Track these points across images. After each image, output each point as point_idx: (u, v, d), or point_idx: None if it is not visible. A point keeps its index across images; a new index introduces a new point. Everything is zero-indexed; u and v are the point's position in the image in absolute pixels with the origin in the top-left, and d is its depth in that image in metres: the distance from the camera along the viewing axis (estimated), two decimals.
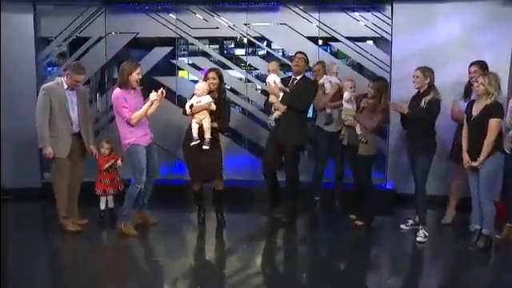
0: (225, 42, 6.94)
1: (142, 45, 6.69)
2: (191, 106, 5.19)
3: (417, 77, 5.01)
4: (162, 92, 5.04)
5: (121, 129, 5.07)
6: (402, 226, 5.44)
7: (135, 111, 4.99)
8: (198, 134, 5.15)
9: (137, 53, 6.77)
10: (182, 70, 6.73)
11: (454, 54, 5.99)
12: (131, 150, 5.05)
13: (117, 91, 5.00)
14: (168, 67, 6.67)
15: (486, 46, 5.93)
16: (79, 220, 5.42)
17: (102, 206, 5.62)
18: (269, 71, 5.51)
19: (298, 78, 5.41)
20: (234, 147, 6.61)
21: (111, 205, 5.65)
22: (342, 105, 5.55)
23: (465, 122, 4.83)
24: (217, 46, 6.95)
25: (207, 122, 5.15)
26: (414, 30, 6.17)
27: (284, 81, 5.44)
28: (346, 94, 5.46)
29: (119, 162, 5.46)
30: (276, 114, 5.35)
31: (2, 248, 4.14)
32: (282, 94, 5.31)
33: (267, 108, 5.58)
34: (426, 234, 5.06)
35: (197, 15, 6.55)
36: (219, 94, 5.24)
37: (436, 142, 5.15)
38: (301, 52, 5.47)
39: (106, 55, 6.48)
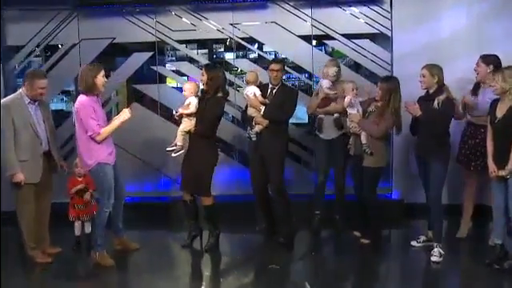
0: (210, 45, 6.60)
1: (119, 51, 6.25)
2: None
3: (423, 76, 4.53)
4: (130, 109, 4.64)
5: (83, 145, 4.47)
6: (413, 243, 4.90)
7: (102, 124, 4.44)
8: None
9: (114, 60, 6.36)
10: (165, 76, 6.28)
11: (462, 49, 5.55)
12: (98, 170, 4.48)
13: (83, 98, 4.41)
14: (149, 74, 6.23)
15: (498, 39, 5.46)
16: (51, 249, 4.86)
17: (77, 232, 5.05)
18: (247, 82, 5.11)
19: (277, 86, 5.01)
20: (224, 159, 6.08)
21: (88, 230, 5.08)
22: (335, 110, 5.13)
23: (488, 124, 4.35)
24: (202, 50, 6.58)
25: (182, 126, 4.75)
26: (416, 23, 5.74)
27: (262, 90, 5.03)
28: (346, 98, 4.92)
29: (89, 194, 4.93)
30: (257, 128, 4.94)
31: None
32: (263, 108, 4.91)
33: (245, 121, 5.23)
34: (442, 252, 4.51)
35: (178, 17, 6.08)
36: (211, 92, 4.78)
37: (450, 146, 4.68)
38: (277, 60, 5.16)
39: (81, 63, 5.95)
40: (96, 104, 4.46)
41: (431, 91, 4.52)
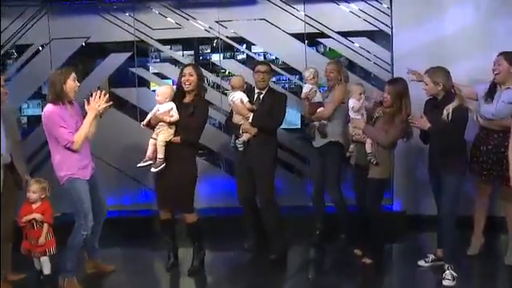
0: (194, 45, 6.20)
1: (94, 51, 5.85)
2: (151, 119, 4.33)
3: (426, 84, 4.08)
4: (103, 95, 3.99)
5: (56, 157, 3.99)
6: (421, 263, 4.42)
7: (76, 132, 3.95)
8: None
9: (89, 61, 5.95)
10: (144, 79, 5.88)
11: (467, 48, 5.18)
12: (69, 186, 3.98)
13: (49, 108, 3.93)
14: (127, 77, 5.84)
15: (506, 36, 5.08)
16: (14, 275, 4.31)
17: (38, 266, 4.25)
18: (232, 87, 4.71)
19: (264, 91, 4.65)
20: (209, 168, 5.75)
21: (46, 271, 4.18)
22: (325, 116, 4.73)
23: None
24: (187, 51, 6.20)
25: (162, 137, 4.23)
26: (418, 20, 5.34)
27: (248, 95, 4.66)
28: (351, 102, 4.46)
29: (46, 227, 4.13)
30: (245, 137, 4.55)
31: None
32: (251, 115, 4.52)
33: (230, 128, 4.86)
34: (455, 274, 4.02)
35: (159, 14, 5.67)
36: (195, 96, 4.32)
37: (467, 157, 4.26)
38: (263, 63, 4.82)
39: (52, 65, 5.53)
40: (65, 112, 3.96)
41: (439, 98, 4.05)
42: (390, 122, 4.25)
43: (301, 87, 5.88)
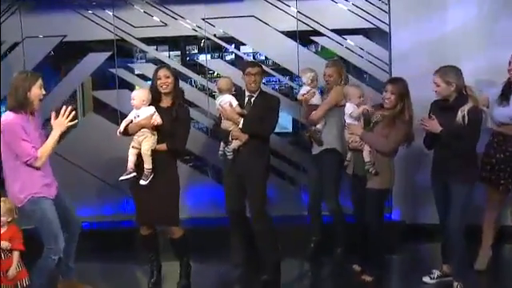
0: (178, 43, 6.06)
1: (71, 51, 5.55)
2: (127, 126, 4.00)
3: (437, 85, 3.76)
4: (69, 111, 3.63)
5: (12, 174, 3.59)
6: (426, 279, 4.11)
7: (38, 146, 3.58)
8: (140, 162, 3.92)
9: (65, 61, 5.69)
10: (125, 81, 5.55)
11: (471, 47, 4.94)
12: (32, 207, 3.60)
13: (9, 117, 3.54)
14: (106, 78, 5.60)
15: None
16: None
17: None
18: (219, 90, 4.39)
19: (256, 94, 4.35)
20: (195, 175, 5.47)
21: None
22: (315, 119, 4.46)
23: None
24: (172, 51, 6.11)
25: (147, 145, 3.89)
26: (418, 17, 5.10)
27: (238, 98, 4.36)
28: (348, 106, 4.13)
29: (16, 256, 3.65)
30: (235, 145, 4.24)
31: None
32: (241, 120, 4.23)
33: (217, 135, 4.56)
34: None
35: (140, 10, 5.39)
36: (174, 99, 4.03)
37: (477, 165, 3.98)
38: (254, 64, 4.47)
39: (25, 66, 5.21)
40: (28, 123, 3.59)
41: (451, 99, 3.75)
42: (391, 125, 3.95)
43: (292, 88, 5.84)
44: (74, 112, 3.65)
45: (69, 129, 3.74)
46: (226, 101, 4.25)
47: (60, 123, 3.61)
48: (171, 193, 4.01)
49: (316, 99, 4.55)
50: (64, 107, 3.64)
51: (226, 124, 4.28)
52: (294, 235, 4.90)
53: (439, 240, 4.23)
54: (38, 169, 3.57)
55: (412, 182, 5.08)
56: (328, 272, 4.65)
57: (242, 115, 4.22)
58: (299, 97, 4.60)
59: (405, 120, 3.92)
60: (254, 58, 5.88)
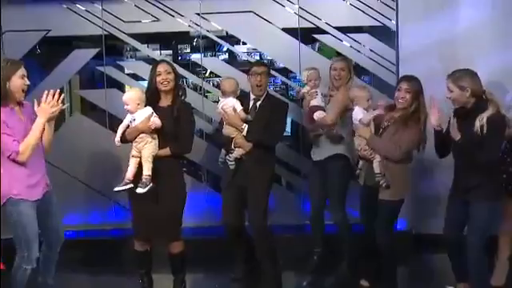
0: (171, 40, 5.88)
1: (55, 47, 5.34)
2: (124, 132, 3.67)
3: (450, 91, 3.45)
4: (57, 94, 3.27)
5: None
6: None
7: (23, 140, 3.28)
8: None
9: (49, 58, 5.41)
10: (114, 80, 5.27)
11: (484, 46, 4.73)
12: (11, 209, 3.30)
13: None
14: (94, 77, 5.45)
15: None
16: None
17: None
18: (223, 92, 4.08)
19: (262, 97, 4.09)
20: (189, 182, 5.03)
21: None
22: (328, 121, 4.11)
23: None
24: (163, 49, 6.02)
25: (148, 151, 3.56)
26: (427, 14, 4.89)
27: (242, 102, 4.07)
28: (357, 110, 3.82)
29: None
30: (237, 153, 3.96)
31: None
32: (246, 127, 3.96)
33: (219, 141, 4.29)
34: None
35: (130, 4, 5.12)
36: (174, 97, 3.72)
37: (501, 179, 3.69)
38: (261, 63, 4.29)
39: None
40: (11, 115, 3.29)
41: (468, 106, 3.44)
42: (403, 128, 3.65)
43: (287, 88, 5.69)
44: (62, 95, 3.31)
45: (56, 120, 3.40)
46: (230, 105, 3.96)
47: (44, 110, 3.24)
48: (175, 203, 3.70)
49: (317, 100, 4.22)
50: (46, 92, 3.28)
51: (228, 130, 3.99)
52: (295, 246, 4.71)
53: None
54: (24, 166, 3.26)
55: (418, 190, 4.83)
56: (333, 287, 4.41)
57: (246, 121, 3.95)
58: (300, 95, 4.32)
59: (418, 121, 3.64)
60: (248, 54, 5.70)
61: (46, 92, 3.28)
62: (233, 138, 3.95)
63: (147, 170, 3.53)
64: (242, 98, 4.12)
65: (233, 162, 3.93)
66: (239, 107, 3.95)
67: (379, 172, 3.66)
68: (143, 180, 3.52)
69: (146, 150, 3.56)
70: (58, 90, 3.33)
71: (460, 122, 3.41)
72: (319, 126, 4.15)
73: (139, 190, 3.51)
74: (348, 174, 4.17)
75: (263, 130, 3.93)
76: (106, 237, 5.08)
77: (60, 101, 3.28)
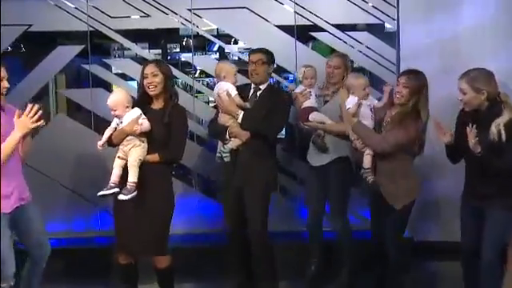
0: (160, 37, 5.77)
1: (37, 43, 5.15)
2: (110, 136, 3.44)
3: (463, 93, 3.22)
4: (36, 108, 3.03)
5: None
6: None
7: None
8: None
9: (30, 54, 5.25)
10: (100, 79, 5.07)
11: (489, 45, 4.63)
12: None
13: None
14: (80, 76, 5.21)
15: None
16: None
17: None
18: (219, 76, 3.85)
19: (263, 87, 3.86)
20: (179, 186, 4.94)
21: None
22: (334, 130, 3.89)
23: None
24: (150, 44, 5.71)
25: (135, 155, 3.31)
26: (429, 12, 4.78)
27: (242, 91, 3.84)
28: (349, 100, 3.56)
29: None
30: (232, 144, 3.69)
31: None
32: (241, 114, 3.71)
33: (214, 132, 4.01)
34: None
35: None
36: (166, 100, 3.44)
37: None
38: (258, 50, 3.97)
39: None
40: None
41: (482, 109, 3.22)
42: (399, 124, 3.41)
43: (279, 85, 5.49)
44: (40, 111, 3.05)
45: (35, 130, 3.15)
46: (224, 89, 3.71)
47: (23, 124, 2.99)
48: (162, 215, 3.43)
49: (311, 101, 4.02)
50: (30, 105, 3.04)
51: (223, 118, 3.74)
52: (289, 254, 4.51)
53: (451, 258, 3.86)
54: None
55: (420, 195, 4.53)
56: None
57: (242, 108, 3.70)
58: (293, 95, 4.09)
59: (417, 119, 3.39)
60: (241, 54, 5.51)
61: (30, 105, 3.04)
62: (228, 126, 3.71)
63: (133, 177, 3.27)
64: (244, 87, 3.92)
65: (227, 154, 3.65)
66: (234, 92, 3.72)
67: (368, 168, 3.44)
68: (128, 187, 3.26)
69: (133, 153, 3.31)
70: (38, 106, 3.07)
71: (466, 124, 3.18)
72: (314, 127, 3.95)
73: (121, 197, 3.25)
74: (351, 178, 3.97)
75: (260, 119, 3.69)
76: (91, 245, 4.90)
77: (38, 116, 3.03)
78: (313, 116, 3.91)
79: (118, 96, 3.38)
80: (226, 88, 3.71)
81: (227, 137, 3.71)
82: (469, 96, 3.19)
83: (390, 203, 3.46)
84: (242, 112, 3.68)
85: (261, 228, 3.74)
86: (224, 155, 3.66)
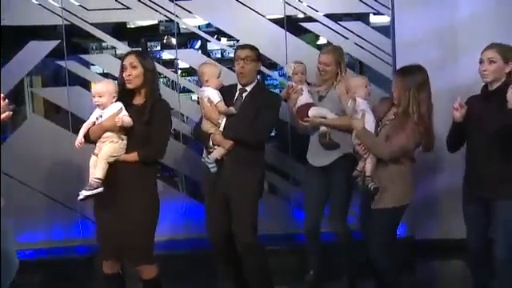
0: (140, 31, 5.71)
1: (9, 38, 4.84)
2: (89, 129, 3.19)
3: (491, 61, 3.07)
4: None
5: None
6: None
7: None
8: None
9: (1, 50, 4.90)
10: (77, 75, 4.86)
11: (488, 34, 4.23)
12: None
13: None
14: (54, 73, 5.07)
15: None
16: None
17: None
18: (205, 81, 3.62)
19: (249, 88, 3.61)
20: (166, 190, 4.83)
21: None
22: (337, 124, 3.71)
23: None
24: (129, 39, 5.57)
25: (108, 150, 3.07)
26: (424, 0, 4.68)
27: (227, 92, 3.61)
28: (359, 101, 3.41)
29: None
30: (216, 153, 3.48)
31: None
32: (223, 121, 3.52)
33: (199, 138, 3.80)
34: None
35: None
36: (147, 95, 3.20)
37: None
38: (245, 46, 3.75)
39: None
40: None
41: (494, 87, 3.09)
42: (400, 126, 3.20)
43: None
44: (6, 100, 2.85)
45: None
46: (205, 95, 3.51)
47: None
48: (145, 221, 3.17)
49: (304, 98, 3.82)
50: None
51: (206, 125, 3.54)
52: (283, 259, 4.34)
53: (454, 257, 4.03)
54: None
55: (420, 192, 4.45)
56: None
57: (228, 115, 3.50)
58: (284, 95, 3.89)
59: (417, 120, 3.18)
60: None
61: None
62: (210, 134, 3.51)
63: (99, 173, 3.01)
64: (229, 88, 3.69)
65: (213, 164, 3.45)
66: (216, 98, 3.50)
67: (369, 175, 3.24)
68: (91, 182, 3.01)
69: (105, 148, 3.05)
70: (2, 95, 2.87)
71: (483, 107, 3.07)
72: (318, 123, 3.73)
73: (82, 193, 3.00)
74: (352, 179, 3.76)
75: (244, 126, 3.47)
76: (72, 255, 4.69)
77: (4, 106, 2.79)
78: (313, 112, 3.73)
79: (107, 83, 3.17)
80: (207, 95, 3.53)
81: (211, 144, 3.53)
82: (497, 65, 3.07)
83: (373, 206, 3.26)
84: (224, 119, 3.50)
85: (250, 236, 3.52)
86: (210, 166, 3.48)
